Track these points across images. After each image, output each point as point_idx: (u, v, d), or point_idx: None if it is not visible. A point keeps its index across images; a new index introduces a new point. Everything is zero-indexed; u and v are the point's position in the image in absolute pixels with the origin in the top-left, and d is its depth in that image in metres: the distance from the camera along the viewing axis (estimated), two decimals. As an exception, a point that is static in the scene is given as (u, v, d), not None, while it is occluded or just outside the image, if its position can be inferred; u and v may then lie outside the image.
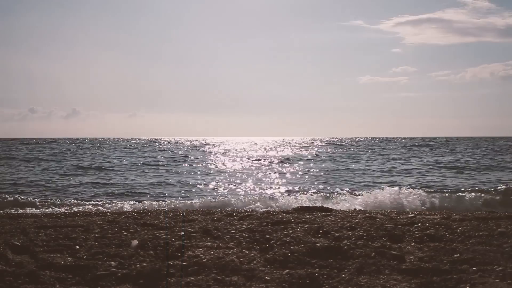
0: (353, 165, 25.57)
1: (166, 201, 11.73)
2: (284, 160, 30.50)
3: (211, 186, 16.51)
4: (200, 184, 17.03)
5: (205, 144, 67.33)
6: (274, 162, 29.18)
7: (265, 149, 50.36)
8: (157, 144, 67.71)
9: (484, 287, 3.45)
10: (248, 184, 17.15)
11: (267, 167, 25.86)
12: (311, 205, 9.45)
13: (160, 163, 27.31)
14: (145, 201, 11.44)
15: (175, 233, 5.32)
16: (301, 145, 61.40)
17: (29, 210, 10.36)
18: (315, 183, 17.75)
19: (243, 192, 14.88)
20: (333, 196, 12.39)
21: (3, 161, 27.11)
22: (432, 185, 16.23)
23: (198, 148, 50.36)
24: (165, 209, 9.64)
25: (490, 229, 5.44)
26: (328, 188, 15.75)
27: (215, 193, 14.63)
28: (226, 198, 12.10)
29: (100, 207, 10.61)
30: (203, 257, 4.19)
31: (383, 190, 12.36)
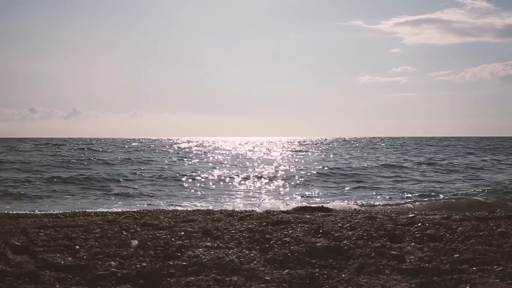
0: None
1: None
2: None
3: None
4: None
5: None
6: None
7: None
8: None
9: (484, 287, 3.44)
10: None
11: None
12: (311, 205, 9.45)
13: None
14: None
15: (175, 233, 5.32)
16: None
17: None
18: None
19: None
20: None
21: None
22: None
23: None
24: (165, 209, 9.62)
25: (490, 229, 5.44)
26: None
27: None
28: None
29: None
30: (203, 257, 4.18)
31: None
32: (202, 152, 44.97)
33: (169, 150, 48.52)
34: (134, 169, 23.38)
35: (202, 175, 20.23)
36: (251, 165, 27.20)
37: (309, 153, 41.69)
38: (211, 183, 17.33)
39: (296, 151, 47.62)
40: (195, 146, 63.31)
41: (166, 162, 28.90)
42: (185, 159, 32.10)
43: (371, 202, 12.93)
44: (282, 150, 48.86)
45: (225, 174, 20.92)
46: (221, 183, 17.59)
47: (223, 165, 26.71)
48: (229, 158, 34.89)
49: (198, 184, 17.17)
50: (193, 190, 15.37)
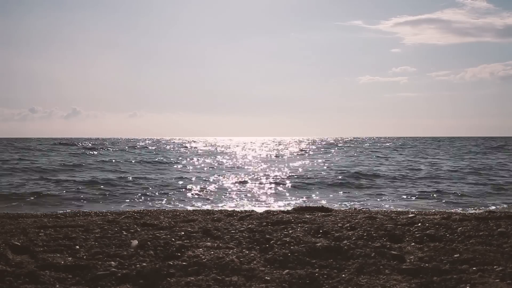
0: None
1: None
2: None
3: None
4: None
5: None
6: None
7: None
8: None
9: (484, 287, 3.44)
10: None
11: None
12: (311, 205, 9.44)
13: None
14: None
15: (175, 233, 5.32)
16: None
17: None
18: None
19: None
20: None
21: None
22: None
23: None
24: (165, 209, 9.63)
25: (490, 229, 5.44)
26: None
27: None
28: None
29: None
30: (203, 257, 4.18)
31: None
32: (205, 152, 45.02)
33: (171, 149, 48.60)
34: (136, 169, 23.40)
35: (203, 175, 20.25)
36: (252, 165, 27.23)
37: (313, 154, 41.72)
38: (212, 183, 17.35)
39: (302, 150, 47.69)
40: (198, 146, 63.59)
41: (168, 162, 28.93)
42: (186, 159, 32.15)
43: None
44: (285, 150, 48.94)
45: (227, 175, 20.94)
46: (222, 183, 17.60)
47: (226, 166, 26.73)
48: (232, 158, 34.92)
49: (199, 184, 17.18)
50: (193, 190, 15.37)
